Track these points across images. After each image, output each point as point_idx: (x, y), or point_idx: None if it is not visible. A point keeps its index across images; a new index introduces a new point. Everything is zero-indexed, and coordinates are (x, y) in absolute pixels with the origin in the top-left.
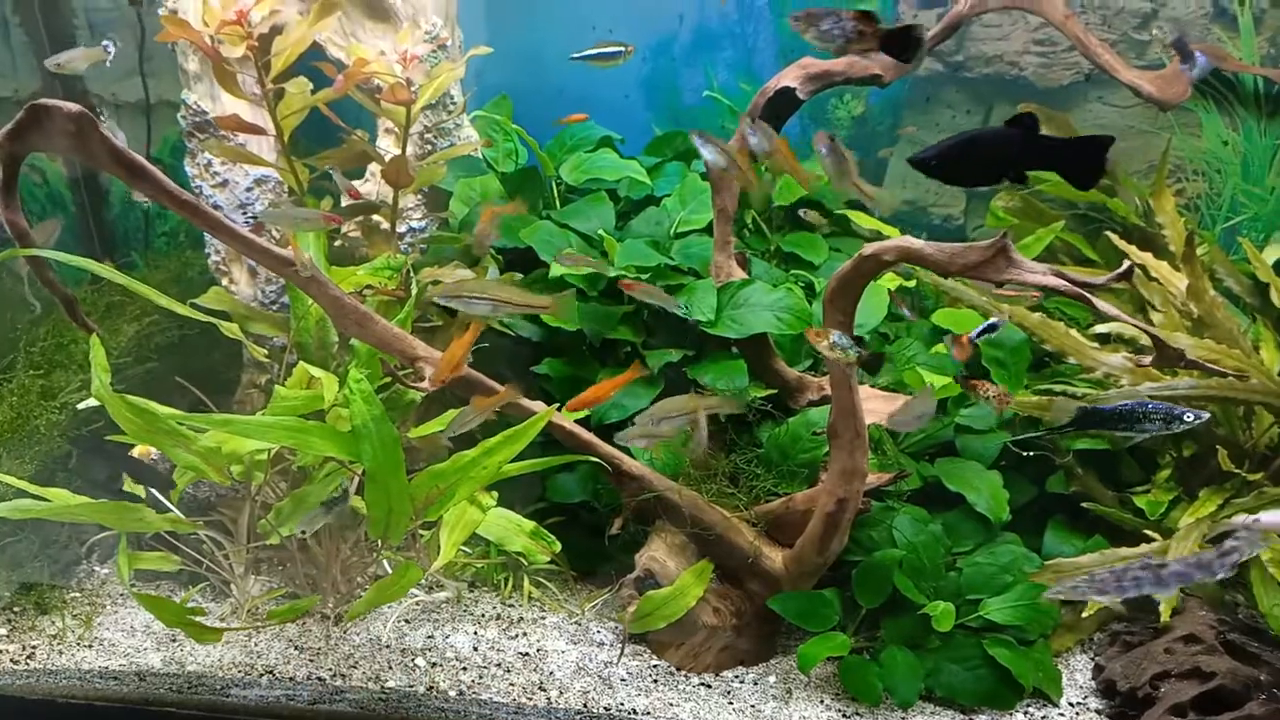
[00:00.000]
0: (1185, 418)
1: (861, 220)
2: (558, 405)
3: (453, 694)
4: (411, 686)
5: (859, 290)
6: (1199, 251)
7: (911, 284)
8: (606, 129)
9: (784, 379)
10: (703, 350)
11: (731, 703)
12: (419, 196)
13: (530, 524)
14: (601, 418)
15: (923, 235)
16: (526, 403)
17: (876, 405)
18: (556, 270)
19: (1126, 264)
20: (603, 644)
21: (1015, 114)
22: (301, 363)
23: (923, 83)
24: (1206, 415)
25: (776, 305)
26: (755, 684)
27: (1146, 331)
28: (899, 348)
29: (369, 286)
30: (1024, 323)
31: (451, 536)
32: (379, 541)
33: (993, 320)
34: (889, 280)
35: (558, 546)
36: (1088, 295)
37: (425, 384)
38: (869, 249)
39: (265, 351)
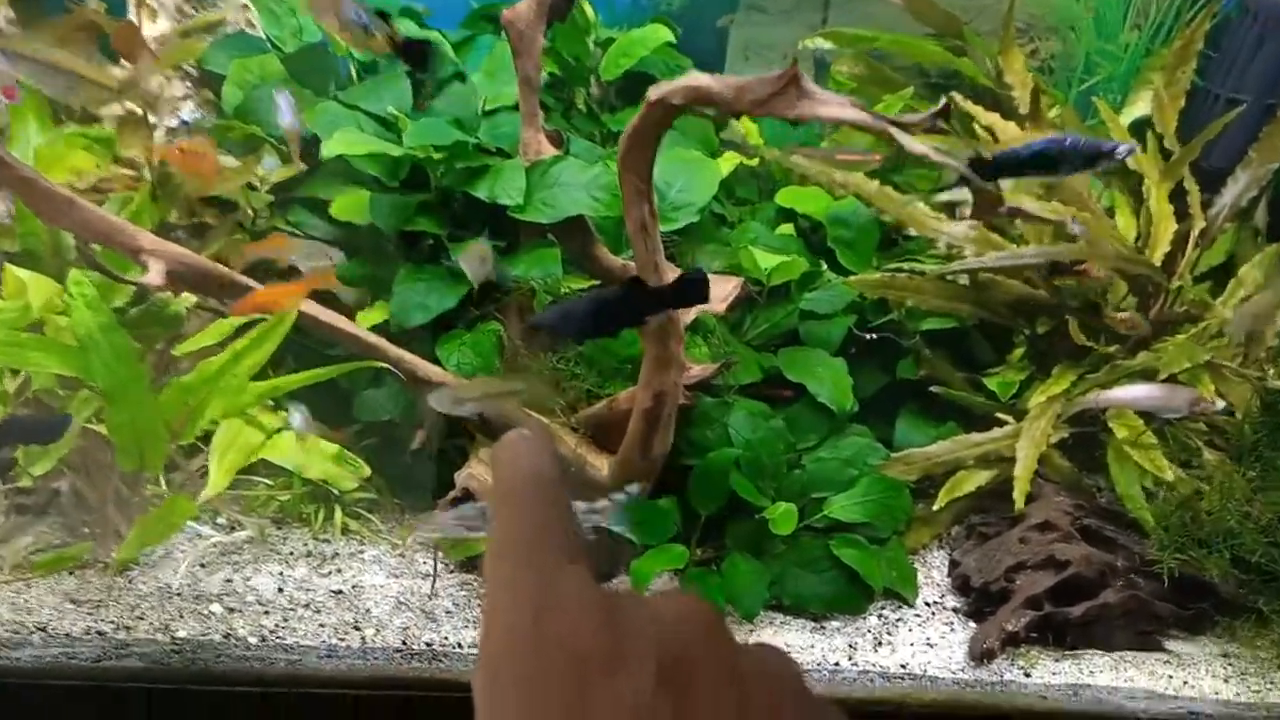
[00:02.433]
0: (1118, 151)
1: None
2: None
3: (253, 640)
4: (206, 635)
5: (654, 143)
6: (1051, 114)
7: (754, 162)
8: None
9: (607, 267)
10: (516, 240)
11: None
12: (187, 84)
13: (333, 447)
14: (403, 322)
15: None
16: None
17: None
18: (331, 149)
19: (943, 101)
20: (428, 576)
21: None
22: (9, 267)
23: None
24: (1134, 145)
25: (592, 184)
26: None
27: (960, 170)
28: (740, 230)
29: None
30: (861, 192)
31: (223, 462)
32: (159, 478)
33: None
34: (728, 159)
35: (366, 471)
36: (890, 129)
37: (151, 278)
38: (654, 92)
39: None
